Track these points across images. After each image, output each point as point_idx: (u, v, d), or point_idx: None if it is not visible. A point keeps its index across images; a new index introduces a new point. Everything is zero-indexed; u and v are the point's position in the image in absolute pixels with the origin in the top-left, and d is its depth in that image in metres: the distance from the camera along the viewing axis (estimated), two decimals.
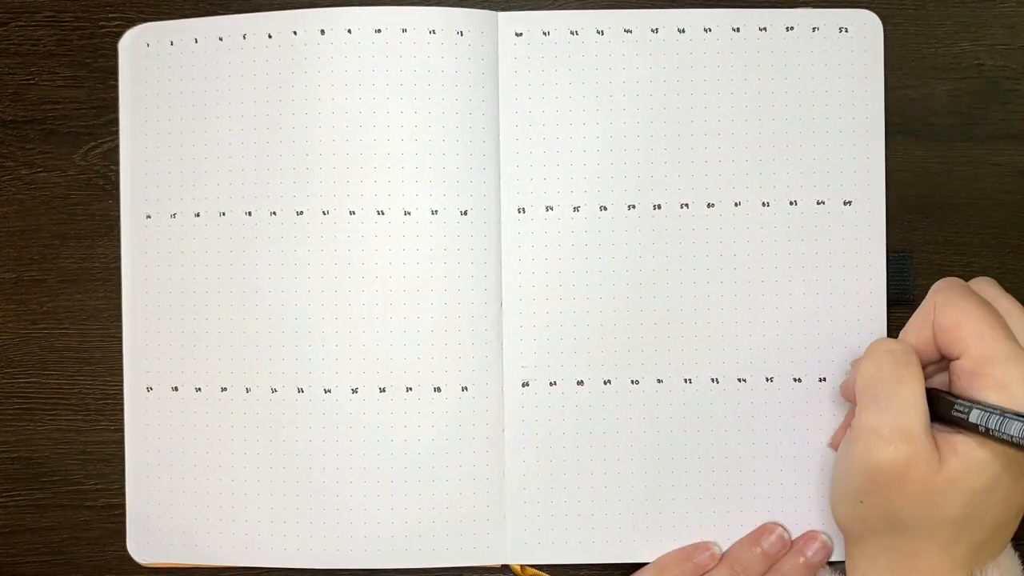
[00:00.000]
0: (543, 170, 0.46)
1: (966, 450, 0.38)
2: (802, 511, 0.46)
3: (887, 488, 0.38)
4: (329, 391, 0.46)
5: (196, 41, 0.47)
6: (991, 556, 0.40)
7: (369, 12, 0.46)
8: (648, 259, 0.46)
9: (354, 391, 0.46)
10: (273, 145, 0.46)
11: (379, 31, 0.46)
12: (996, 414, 0.36)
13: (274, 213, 0.46)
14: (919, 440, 0.38)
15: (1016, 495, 0.39)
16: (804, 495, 0.46)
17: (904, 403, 0.39)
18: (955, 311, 0.39)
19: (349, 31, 0.46)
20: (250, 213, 0.47)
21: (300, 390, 0.46)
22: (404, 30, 0.46)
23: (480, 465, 0.46)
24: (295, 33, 0.46)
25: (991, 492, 0.38)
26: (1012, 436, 0.36)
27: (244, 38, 0.47)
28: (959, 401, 0.38)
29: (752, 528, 0.46)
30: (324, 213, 0.46)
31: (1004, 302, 0.41)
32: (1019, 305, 0.41)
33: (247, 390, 0.47)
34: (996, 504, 0.38)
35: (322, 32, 0.46)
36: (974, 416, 0.37)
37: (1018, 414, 0.35)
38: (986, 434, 0.37)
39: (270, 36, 0.46)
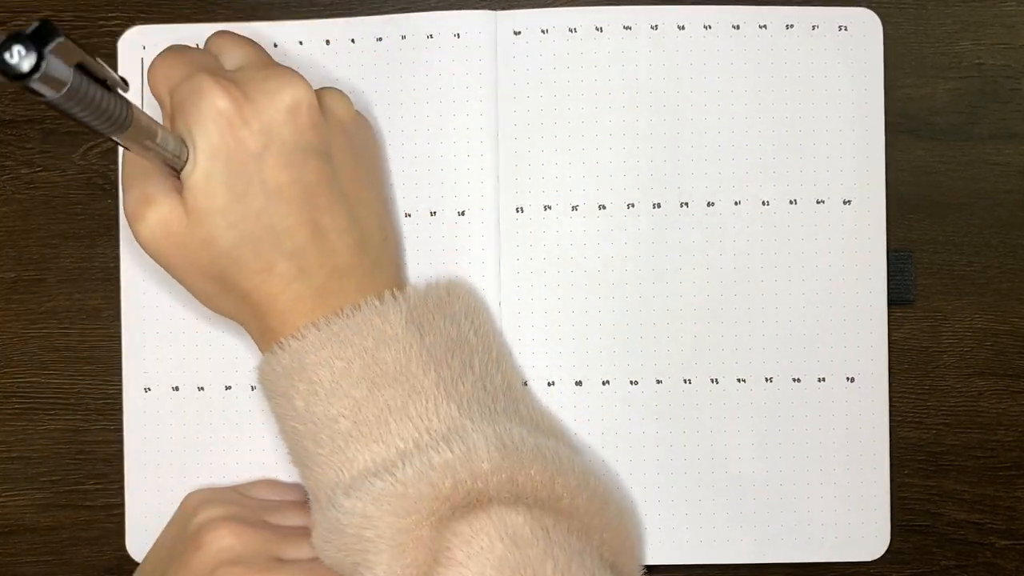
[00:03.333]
0: (541, 169, 0.46)
1: (188, 178, 0.38)
2: (801, 511, 0.46)
3: (174, 253, 0.39)
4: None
5: (197, 46, 0.47)
6: (358, 291, 0.40)
7: (371, 21, 0.47)
8: (647, 258, 0.46)
9: None
10: None
11: (380, 39, 0.46)
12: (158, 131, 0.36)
13: None
14: (159, 198, 0.38)
15: (263, 187, 0.38)
16: (804, 495, 0.46)
17: (137, 178, 0.39)
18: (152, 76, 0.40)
19: (353, 40, 0.46)
20: None
21: None
22: (403, 36, 0.46)
23: None
24: (300, 43, 0.47)
25: (237, 196, 0.38)
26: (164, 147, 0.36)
27: None
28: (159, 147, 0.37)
29: (757, 531, 0.46)
30: None
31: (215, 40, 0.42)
32: (233, 36, 0.42)
33: (252, 388, 0.47)
34: (259, 206, 0.38)
35: (327, 43, 0.47)
36: (159, 147, 0.36)
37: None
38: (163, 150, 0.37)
39: (275, 45, 0.47)
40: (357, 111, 0.43)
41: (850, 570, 0.47)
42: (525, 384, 0.46)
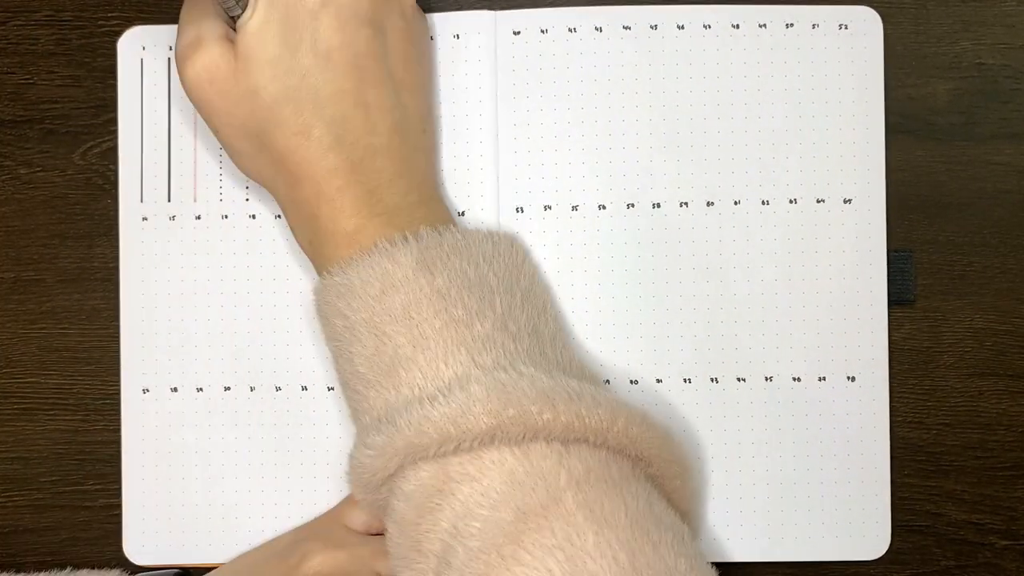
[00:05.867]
0: (541, 169, 0.46)
1: (245, 23, 0.39)
2: (801, 510, 0.46)
3: (215, 100, 0.39)
4: (332, 388, 0.46)
5: None
6: (393, 177, 0.40)
7: None
8: (647, 258, 0.46)
9: None
10: None
11: None
12: None
13: (279, 216, 0.46)
14: (210, 42, 0.39)
15: (314, 45, 0.39)
16: (804, 494, 0.46)
17: (192, 22, 0.40)
18: None
19: None
20: (254, 216, 0.47)
21: (304, 388, 0.46)
22: None
23: None
24: None
25: (288, 49, 0.39)
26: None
27: None
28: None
29: (757, 531, 0.46)
30: None
31: None
32: None
33: (251, 388, 0.47)
34: (308, 64, 0.39)
35: None
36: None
37: None
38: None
39: None
40: (417, 6, 0.43)
41: (850, 570, 0.47)
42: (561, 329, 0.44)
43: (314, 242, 0.41)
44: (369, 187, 0.40)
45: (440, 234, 0.40)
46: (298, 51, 0.39)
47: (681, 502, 0.41)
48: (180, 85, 0.40)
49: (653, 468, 0.39)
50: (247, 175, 0.43)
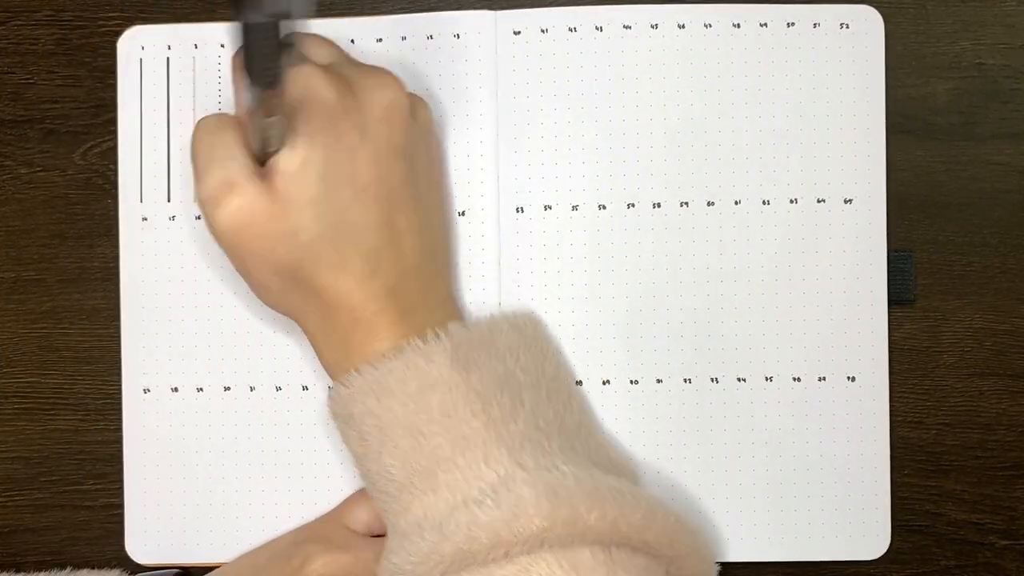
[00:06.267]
0: (541, 169, 0.46)
1: (284, 164, 0.38)
2: (801, 511, 0.46)
3: (251, 243, 0.38)
4: (332, 388, 0.46)
5: (196, 47, 0.47)
6: (424, 294, 0.40)
7: (372, 22, 0.47)
8: (647, 258, 0.46)
9: None
10: None
11: (380, 40, 0.46)
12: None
13: None
14: (243, 184, 0.38)
15: (353, 182, 0.38)
16: (804, 494, 0.46)
17: (217, 161, 0.38)
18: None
19: (352, 41, 0.46)
20: None
21: (304, 388, 0.47)
22: (403, 38, 0.46)
23: None
24: None
25: (329, 189, 0.38)
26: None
27: None
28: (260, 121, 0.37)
29: (757, 530, 0.46)
30: None
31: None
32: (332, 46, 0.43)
33: (251, 388, 0.47)
34: (346, 200, 0.38)
35: None
36: (271, 126, 0.36)
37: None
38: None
39: None
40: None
41: (850, 570, 0.47)
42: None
43: (343, 362, 0.40)
44: (402, 307, 0.40)
45: (468, 329, 0.40)
46: (338, 189, 0.38)
47: None
48: (208, 229, 0.39)
49: (684, 569, 0.39)
50: (271, 307, 0.42)
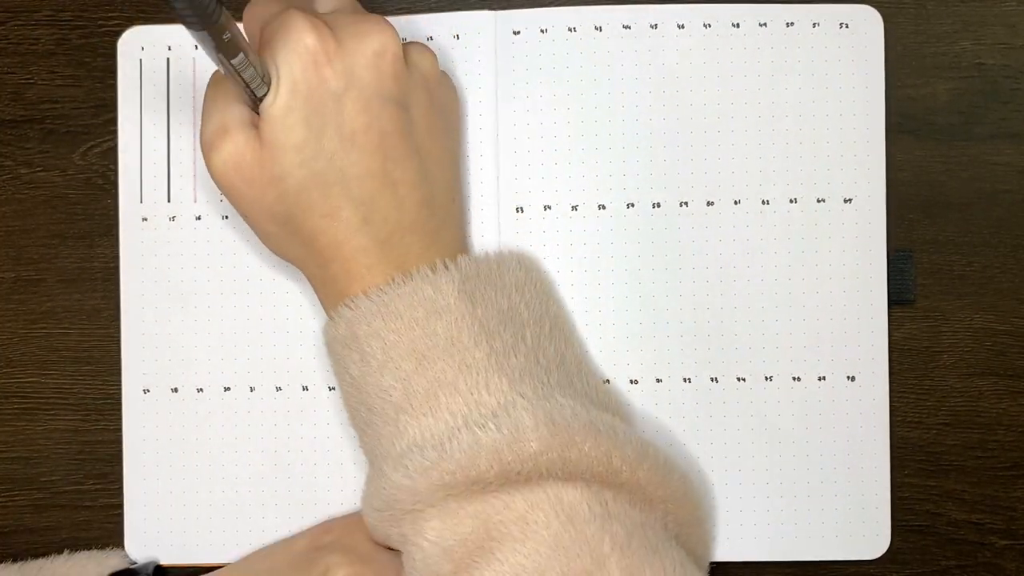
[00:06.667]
0: (541, 169, 0.46)
1: (268, 110, 0.38)
2: (801, 510, 0.46)
3: (243, 188, 0.39)
4: (332, 388, 0.46)
5: (196, 47, 0.47)
6: (421, 251, 0.40)
7: None
8: (647, 258, 0.46)
9: None
10: None
11: None
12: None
13: None
14: (234, 130, 0.38)
15: (339, 128, 0.38)
16: (804, 494, 0.46)
17: (216, 109, 0.39)
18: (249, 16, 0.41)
19: None
20: None
21: (305, 388, 0.47)
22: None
23: None
24: None
25: (313, 134, 0.38)
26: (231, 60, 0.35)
27: None
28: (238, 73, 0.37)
29: (757, 530, 0.46)
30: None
31: None
32: None
33: (251, 389, 0.47)
34: (333, 147, 0.38)
35: None
36: (241, 68, 0.36)
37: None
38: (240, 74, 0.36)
39: None
40: (442, 70, 0.43)
41: (850, 570, 0.47)
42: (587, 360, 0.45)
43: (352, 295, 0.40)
44: (397, 263, 0.40)
45: (477, 263, 0.41)
46: (323, 135, 0.38)
47: (697, 547, 0.42)
48: (209, 172, 0.39)
49: (679, 515, 0.40)
50: (278, 255, 0.42)
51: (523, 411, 0.37)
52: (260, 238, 0.42)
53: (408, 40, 0.42)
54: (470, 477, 0.37)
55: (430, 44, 0.46)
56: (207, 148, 0.39)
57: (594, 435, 0.38)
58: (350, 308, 0.39)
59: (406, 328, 0.39)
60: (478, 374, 0.38)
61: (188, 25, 0.32)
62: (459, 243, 0.44)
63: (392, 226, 0.40)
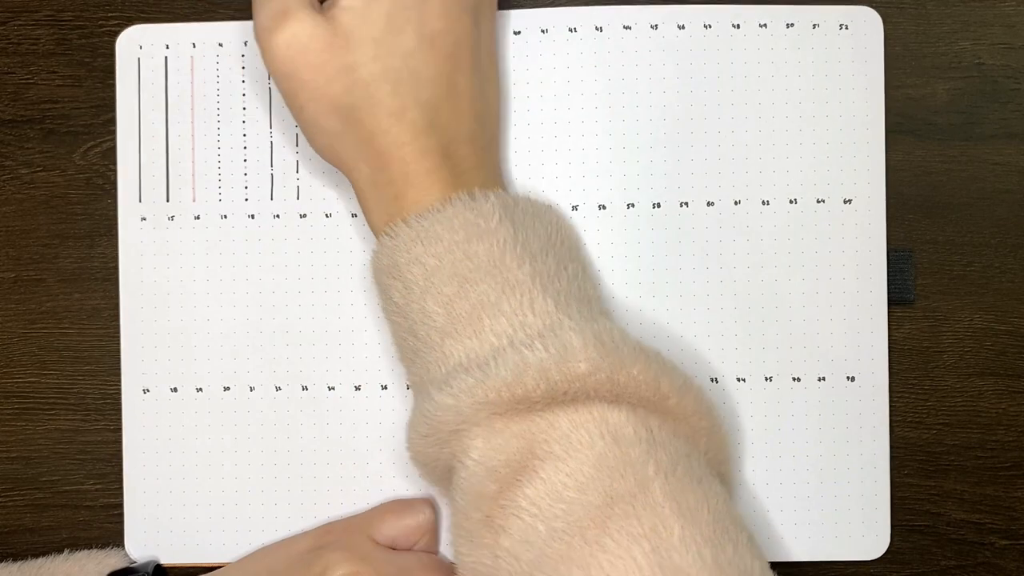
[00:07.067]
0: (541, 169, 0.46)
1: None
2: (801, 510, 0.46)
3: (307, 75, 0.38)
4: (333, 388, 0.46)
5: (194, 46, 0.47)
6: (475, 165, 0.40)
7: None
8: (647, 258, 0.46)
9: (357, 388, 0.46)
10: (275, 148, 0.46)
11: None
12: None
13: (277, 216, 0.46)
14: (299, 12, 0.38)
15: (420, 28, 0.39)
16: (804, 494, 0.46)
17: None
18: None
19: None
20: (253, 216, 0.47)
21: (304, 388, 0.46)
22: None
23: None
24: None
25: (393, 30, 0.38)
26: None
27: (245, 44, 0.47)
28: None
29: (757, 530, 0.46)
30: (327, 216, 0.46)
31: None
32: None
33: (251, 388, 0.47)
34: (410, 46, 0.38)
35: None
36: None
37: None
38: None
39: None
40: None
41: (850, 570, 0.47)
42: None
43: (391, 219, 0.40)
44: (455, 172, 0.40)
45: (515, 197, 0.41)
46: (403, 32, 0.38)
47: (731, 484, 0.42)
48: (264, 63, 0.39)
49: (717, 451, 0.40)
50: (323, 155, 0.41)
51: (571, 331, 0.37)
52: (309, 134, 0.41)
53: None
54: (516, 396, 0.36)
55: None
56: (264, 31, 0.38)
57: (644, 359, 0.37)
58: (390, 236, 0.39)
59: (446, 251, 0.38)
60: (522, 295, 0.37)
61: None
62: (498, 167, 0.44)
63: (452, 134, 0.40)
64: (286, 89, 0.39)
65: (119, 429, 0.47)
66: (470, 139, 0.40)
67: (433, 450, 0.39)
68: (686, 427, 0.38)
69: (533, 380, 0.36)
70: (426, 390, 0.39)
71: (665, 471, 0.35)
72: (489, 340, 0.37)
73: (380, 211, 0.41)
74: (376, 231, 0.41)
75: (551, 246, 0.40)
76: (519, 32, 0.46)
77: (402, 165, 0.39)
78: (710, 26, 0.46)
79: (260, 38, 0.38)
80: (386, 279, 0.40)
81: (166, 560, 0.47)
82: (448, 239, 0.38)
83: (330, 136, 0.40)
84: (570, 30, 0.46)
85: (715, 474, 0.38)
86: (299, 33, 0.38)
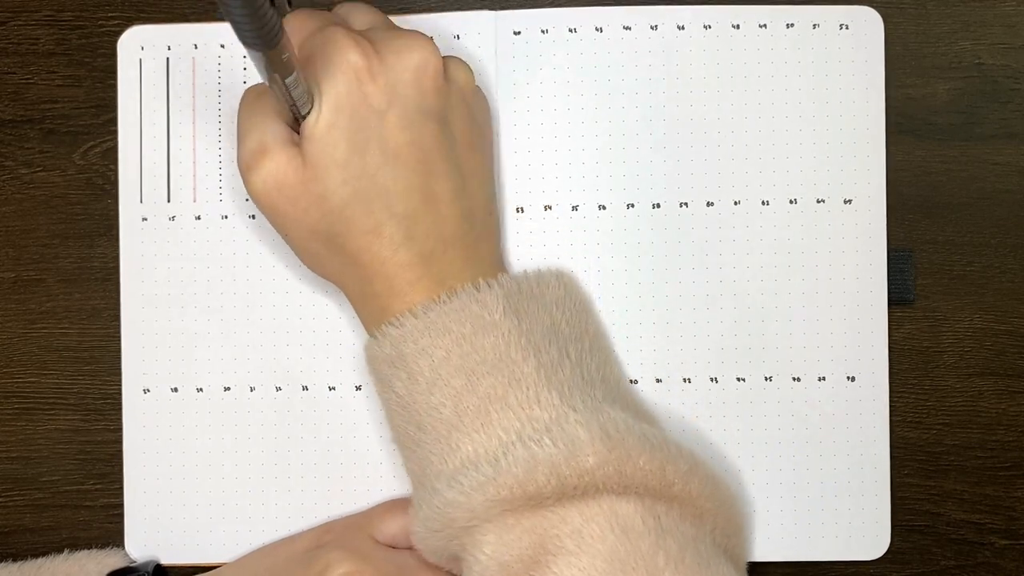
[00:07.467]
0: (541, 169, 0.46)
1: (310, 128, 0.38)
2: (801, 510, 0.46)
3: (284, 207, 0.39)
4: (333, 388, 0.46)
5: (196, 47, 0.47)
6: (463, 266, 0.40)
7: None
8: (647, 258, 0.46)
9: (358, 388, 0.46)
10: None
11: None
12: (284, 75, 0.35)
13: None
14: (275, 149, 0.38)
15: (382, 145, 0.38)
16: (804, 494, 0.46)
17: (254, 128, 0.39)
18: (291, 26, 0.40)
19: None
20: (253, 216, 0.47)
21: (304, 388, 0.47)
22: None
23: None
24: None
25: (356, 152, 0.38)
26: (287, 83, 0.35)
27: None
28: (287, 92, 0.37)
29: (757, 530, 0.46)
30: None
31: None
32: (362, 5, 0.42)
33: (251, 389, 0.47)
34: (376, 164, 0.38)
35: None
36: (293, 87, 0.36)
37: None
38: (290, 94, 0.36)
39: None
40: (477, 84, 0.43)
41: (850, 570, 0.47)
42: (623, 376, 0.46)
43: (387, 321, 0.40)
44: (440, 278, 0.40)
45: (518, 281, 0.41)
46: (366, 152, 0.38)
47: (739, 554, 0.42)
48: (247, 192, 0.39)
49: (727, 527, 0.40)
50: (317, 273, 0.42)
51: (577, 425, 0.37)
52: (299, 256, 0.42)
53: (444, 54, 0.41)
54: (527, 492, 0.37)
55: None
56: (246, 168, 0.39)
57: (648, 448, 0.38)
58: (396, 327, 0.39)
59: (454, 344, 0.38)
60: (528, 388, 0.38)
61: (250, 46, 0.32)
62: (496, 256, 0.44)
63: (434, 241, 0.40)
64: (270, 219, 0.40)
65: (119, 429, 0.47)
66: (456, 240, 0.40)
67: (442, 543, 0.39)
68: (692, 509, 0.39)
69: (544, 476, 0.36)
70: (430, 483, 0.39)
71: (675, 560, 0.36)
72: (497, 435, 0.37)
73: (371, 321, 0.41)
74: (370, 333, 0.42)
75: (555, 332, 0.40)
76: (519, 32, 0.46)
77: (385, 280, 0.40)
78: (710, 26, 0.46)
79: (242, 175, 0.39)
80: (388, 368, 0.40)
81: (166, 560, 0.47)
82: (456, 331, 0.39)
83: (317, 257, 0.41)
84: (570, 30, 0.46)
85: (722, 552, 0.39)
86: (274, 170, 0.38)
